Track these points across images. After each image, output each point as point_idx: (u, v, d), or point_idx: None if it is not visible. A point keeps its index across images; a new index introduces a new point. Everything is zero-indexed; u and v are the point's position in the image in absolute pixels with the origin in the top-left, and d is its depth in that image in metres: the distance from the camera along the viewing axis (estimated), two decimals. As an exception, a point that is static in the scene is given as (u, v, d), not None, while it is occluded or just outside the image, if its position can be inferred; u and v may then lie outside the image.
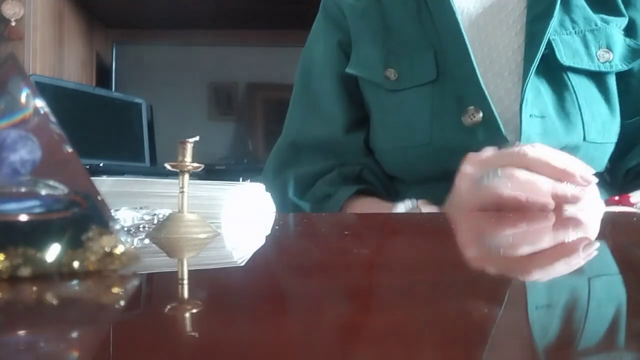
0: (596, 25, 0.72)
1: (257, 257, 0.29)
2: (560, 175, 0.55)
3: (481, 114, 0.67)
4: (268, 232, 0.41)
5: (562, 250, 0.32)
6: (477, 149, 0.60)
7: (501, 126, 0.67)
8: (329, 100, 0.79)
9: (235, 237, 0.38)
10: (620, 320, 0.17)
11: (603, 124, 0.71)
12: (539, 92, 0.69)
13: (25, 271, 0.20)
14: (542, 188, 0.54)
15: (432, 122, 0.70)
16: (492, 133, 0.67)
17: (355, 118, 0.79)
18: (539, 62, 0.68)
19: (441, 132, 0.70)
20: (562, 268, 0.26)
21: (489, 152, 0.59)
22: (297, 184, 0.77)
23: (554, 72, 0.70)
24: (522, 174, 0.55)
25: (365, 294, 0.21)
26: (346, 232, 0.44)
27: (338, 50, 0.80)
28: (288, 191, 0.76)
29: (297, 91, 0.85)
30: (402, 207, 0.64)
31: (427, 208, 0.63)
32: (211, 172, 2.09)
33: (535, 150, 0.56)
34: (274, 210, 0.54)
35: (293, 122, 0.83)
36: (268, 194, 0.53)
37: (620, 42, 0.72)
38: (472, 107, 0.68)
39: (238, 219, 0.45)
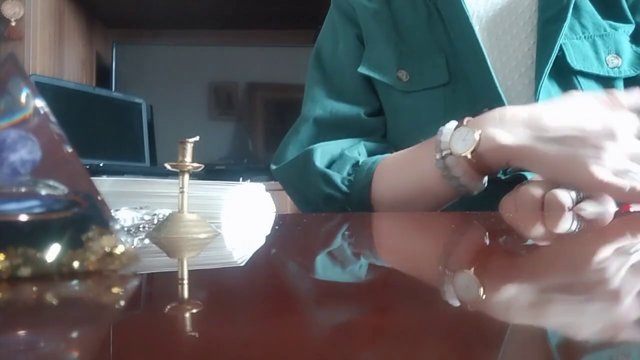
0: (605, 30, 0.72)
1: (257, 257, 0.29)
2: None
3: None
4: (268, 232, 0.41)
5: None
6: None
7: None
8: (354, 91, 0.79)
9: (235, 237, 0.38)
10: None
11: None
12: (550, 95, 0.69)
13: (25, 271, 0.20)
14: None
15: (444, 124, 0.70)
16: None
17: (379, 108, 0.80)
18: (550, 65, 0.68)
19: None
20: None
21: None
22: (323, 155, 0.74)
23: (564, 76, 0.70)
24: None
25: (366, 293, 0.21)
26: (347, 232, 0.44)
27: (357, 43, 0.81)
28: (315, 161, 0.72)
29: (315, 80, 0.83)
30: (445, 130, 0.61)
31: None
32: (211, 172, 2.09)
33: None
34: (274, 210, 0.54)
35: (315, 102, 0.81)
36: (268, 194, 0.53)
37: (628, 48, 0.73)
38: (486, 109, 0.66)
39: (238, 219, 0.45)
